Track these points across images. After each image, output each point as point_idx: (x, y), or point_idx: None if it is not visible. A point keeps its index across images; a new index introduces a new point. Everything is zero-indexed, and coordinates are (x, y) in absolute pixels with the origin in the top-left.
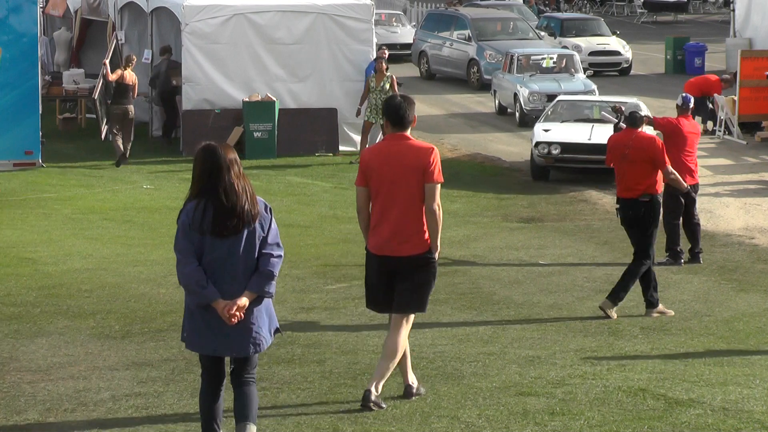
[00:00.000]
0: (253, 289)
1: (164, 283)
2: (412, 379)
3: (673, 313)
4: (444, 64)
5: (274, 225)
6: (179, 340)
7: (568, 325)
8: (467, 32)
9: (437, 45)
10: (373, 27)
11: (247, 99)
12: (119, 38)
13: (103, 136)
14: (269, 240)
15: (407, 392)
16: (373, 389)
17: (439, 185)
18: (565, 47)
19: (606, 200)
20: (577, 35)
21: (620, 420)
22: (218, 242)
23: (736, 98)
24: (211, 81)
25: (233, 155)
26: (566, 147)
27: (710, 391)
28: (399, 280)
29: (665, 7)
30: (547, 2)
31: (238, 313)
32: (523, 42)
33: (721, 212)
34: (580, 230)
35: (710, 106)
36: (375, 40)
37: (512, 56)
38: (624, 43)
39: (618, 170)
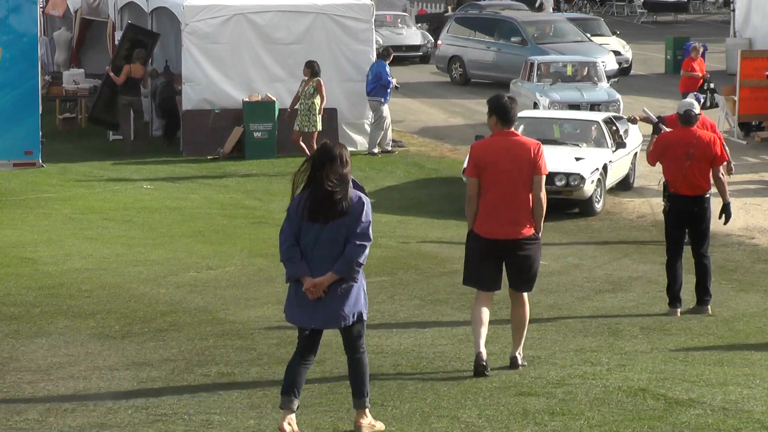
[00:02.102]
0: (336, 271)
1: (164, 283)
2: (517, 351)
3: (678, 315)
4: (489, 69)
5: (365, 217)
6: (179, 340)
7: (568, 325)
8: (520, 36)
9: (478, 50)
10: (373, 27)
11: (247, 99)
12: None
13: (110, 138)
14: (358, 230)
15: (513, 363)
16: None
17: (544, 176)
18: None
19: (605, 200)
20: None
21: (620, 420)
22: (310, 226)
23: (736, 98)
24: (211, 81)
25: (340, 150)
26: None
27: (710, 391)
28: (509, 261)
29: (665, 7)
30: None
31: (316, 290)
32: (576, 45)
33: None
34: (580, 230)
35: (711, 85)
36: (380, 40)
37: (531, 63)
38: (624, 43)
39: (676, 168)
